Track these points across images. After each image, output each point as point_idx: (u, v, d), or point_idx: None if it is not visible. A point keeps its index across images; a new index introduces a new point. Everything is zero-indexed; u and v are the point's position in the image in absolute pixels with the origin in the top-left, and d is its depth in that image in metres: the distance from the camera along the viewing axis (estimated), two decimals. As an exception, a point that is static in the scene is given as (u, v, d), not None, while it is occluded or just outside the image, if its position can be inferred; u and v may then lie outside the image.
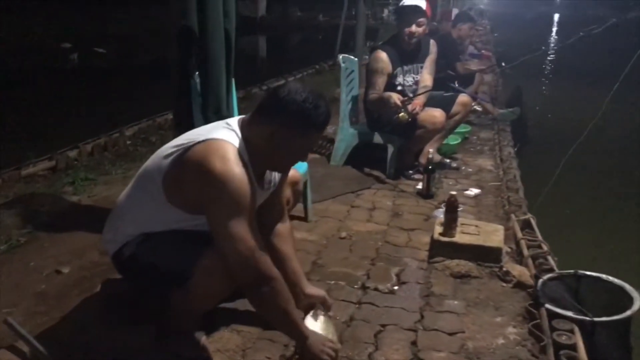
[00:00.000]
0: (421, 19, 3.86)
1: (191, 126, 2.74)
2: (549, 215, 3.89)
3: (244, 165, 1.68)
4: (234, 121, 1.81)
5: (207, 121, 2.65)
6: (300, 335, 1.83)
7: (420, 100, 3.80)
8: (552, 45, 22.22)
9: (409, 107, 3.64)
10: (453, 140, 4.52)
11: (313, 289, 2.10)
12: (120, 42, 14.84)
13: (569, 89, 12.13)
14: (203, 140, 1.70)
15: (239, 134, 1.74)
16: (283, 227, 2.09)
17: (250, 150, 1.73)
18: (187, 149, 1.72)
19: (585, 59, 15.18)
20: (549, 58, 18.05)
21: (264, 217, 1.97)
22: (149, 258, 1.81)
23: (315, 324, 1.93)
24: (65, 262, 2.60)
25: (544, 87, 12.13)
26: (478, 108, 5.79)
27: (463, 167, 4.24)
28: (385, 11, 24.91)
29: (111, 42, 14.47)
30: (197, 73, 2.77)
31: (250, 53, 21.56)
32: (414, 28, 3.85)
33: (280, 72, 9.42)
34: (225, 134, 1.73)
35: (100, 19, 16.07)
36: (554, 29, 35.68)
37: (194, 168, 1.67)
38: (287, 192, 2.18)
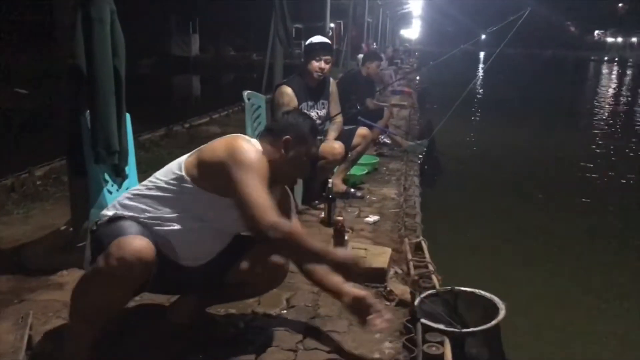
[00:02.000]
0: (327, 57, 4.08)
1: (83, 163, 2.80)
2: (446, 238, 4.16)
3: (258, 151, 2.00)
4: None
5: (97, 157, 2.71)
6: (344, 261, 1.96)
7: (332, 136, 4.08)
8: (478, 82, 23.67)
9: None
10: (359, 171, 4.73)
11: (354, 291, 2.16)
12: (42, 82, 14.55)
13: (485, 122, 12.99)
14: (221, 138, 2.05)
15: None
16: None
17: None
18: (205, 146, 2.06)
19: (503, 95, 16.31)
20: (475, 93, 19.22)
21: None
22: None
23: None
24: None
25: (466, 121, 12.83)
26: (387, 141, 6.07)
27: (368, 196, 4.44)
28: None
29: (34, 83, 14.16)
30: (87, 111, 2.82)
31: (184, 92, 21.60)
32: (322, 64, 4.06)
33: (205, 110, 9.53)
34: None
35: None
36: (480, 66, 37.87)
37: (218, 154, 1.94)
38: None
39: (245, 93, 4.26)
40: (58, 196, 4.48)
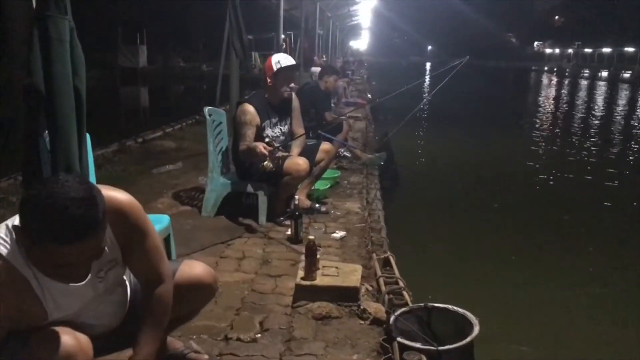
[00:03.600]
0: (296, 73, 4.11)
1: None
2: (409, 251, 4.21)
3: (11, 274, 1.47)
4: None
5: (57, 180, 2.58)
6: None
7: (295, 152, 4.09)
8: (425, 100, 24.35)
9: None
10: (322, 185, 4.72)
11: None
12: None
13: (436, 132, 13.35)
14: None
15: (10, 234, 1.48)
16: (158, 290, 1.81)
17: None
18: None
19: (449, 105, 16.83)
20: (421, 106, 19.71)
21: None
22: None
23: None
24: None
25: (415, 132, 13.12)
26: (347, 154, 6.10)
27: (332, 211, 4.43)
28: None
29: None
30: (46, 132, 2.70)
31: (131, 105, 21.07)
32: (293, 85, 4.15)
33: (158, 123, 9.31)
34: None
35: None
36: (427, 76, 38.80)
37: None
38: (196, 297, 2.04)
39: (206, 109, 4.20)
40: (9, 217, 4.24)
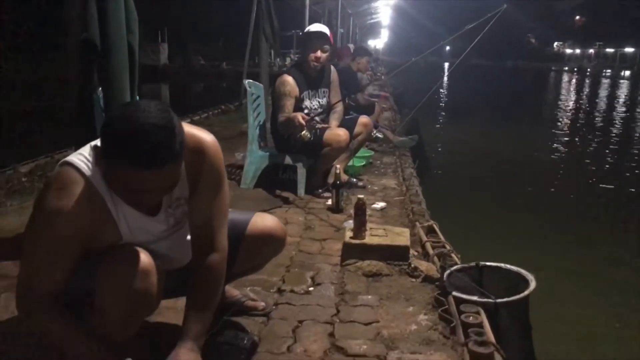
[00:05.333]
0: (326, 45, 4.06)
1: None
2: (449, 223, 4.20)
3: (90, 193, 1.47)
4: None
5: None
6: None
7: (334, 124, 4.05)
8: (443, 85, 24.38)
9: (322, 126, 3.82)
10: (358, 162, 4.71)
11: (182, 356, 1.57)
12: (9, 88, 14.16)
13: (457, 124, 13.33)
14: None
15: (93, 154, 1.50)
16: (209, 259, 1.70)
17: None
18: None
19: (469, 101, 16.79)
20: (440, 98, 19.73)
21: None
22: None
23: None
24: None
25: (437, 122, 13.09)
26: (379, 135, 6.09)
27: (369, 186, 4.41)
28: (288, 59, 25.69)
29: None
30: (99, 89, 2.73)
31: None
32: (319, 53, 4.03)
33: (184, 112, 9.36)
34: (77, 158, 1.51)
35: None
36: (445, 77, 38.62)
37: None
38: (265, 251, 2.03)
39: (246, 82, 4.21)
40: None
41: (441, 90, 26.38)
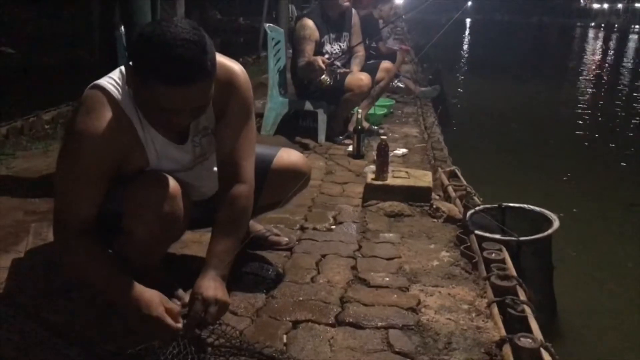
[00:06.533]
0: None
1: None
2: (474, 168, 4.21)
3: (119, 115, 1.48)
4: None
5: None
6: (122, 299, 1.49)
7: (356, 68, 4.00)
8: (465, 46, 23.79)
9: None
10: (379, 110, 4.66)
11: (205, 284, 1.49)
12: (29, 42, 14.12)
13: (480, 78, 13.08)
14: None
15: (121, 77, 1.51)
16: (235, 189, 1.66)
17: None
18: None
19: (492, 55, 16.40)
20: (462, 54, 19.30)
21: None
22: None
23: None
24: (-12, 223, 2.47)
25: (459, 75, 12.87)
26: (401, 85, 6.00)
27: (390, 134, 4.38)
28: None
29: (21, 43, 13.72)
30: (122, 27, 2.71)
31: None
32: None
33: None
34: (106, 81, 1.51)
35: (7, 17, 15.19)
36: (467, 32, 37.70)
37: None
38: (288, 185, 1.95)
39: (267, 25, 4.16)
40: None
41: (464, 45, 25.85)
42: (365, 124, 4.23)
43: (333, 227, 2.53)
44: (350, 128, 4.10)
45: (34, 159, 3.55)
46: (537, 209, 2.62)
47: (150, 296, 1.44)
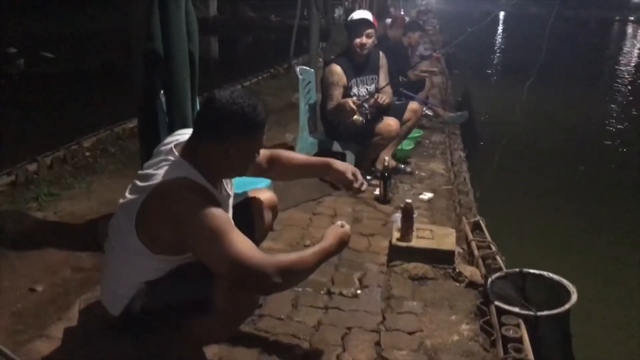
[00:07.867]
0: (369, 30, 4.10)
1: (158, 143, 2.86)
2: (497, 214, 4.20)
3: (202, 191, 1.72)
4: (172, 153, 1.80)
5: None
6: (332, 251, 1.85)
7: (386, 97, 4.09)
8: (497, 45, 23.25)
9: (374, 100, 3.96)
10: (407, 145, 4.75)
11: (337, 164, 2.37)
12: (68, 45, 14.54)
13: (514, 87, 12.80)
14: (155, 188, 1.71)
15: (185, 162, 1.75)
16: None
17: (204, 172, 1.76)
18: (144, 202, 1.71)
19: (526, 59, 16.00)
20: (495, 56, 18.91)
21: None
22: (164, 301, 1.80)
23: None
24: (38, 280, 2.66)
25: (489, 86, 12.65)
26: (429, 112, 6.06)
27: (416, 172, 4.47)
28: (337, 11, 25.16)
29: (59, 46, 14.15)
30: (162, 92, 2.87)
31: (202, 55, 21.39)
32: (364, 39, 4.08)
33: (235, 76, 9.46)
34: (172, 171, 1.73)
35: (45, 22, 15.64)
36: (500, 27, 36.99)
37: (161, 218, 1.68)
38: (269, 216, 2.30)
39: (298, 69, 4.30)
40: (111, 169, 4.57)
41: (496, 44, 25.34)
42: (392, 163, 4.33)
43: (359, 291, 2.66)
44: (379, 166, 4.21)
45: (78, 200, 3.76)
46: (556, 277, 2.68)
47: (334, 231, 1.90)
